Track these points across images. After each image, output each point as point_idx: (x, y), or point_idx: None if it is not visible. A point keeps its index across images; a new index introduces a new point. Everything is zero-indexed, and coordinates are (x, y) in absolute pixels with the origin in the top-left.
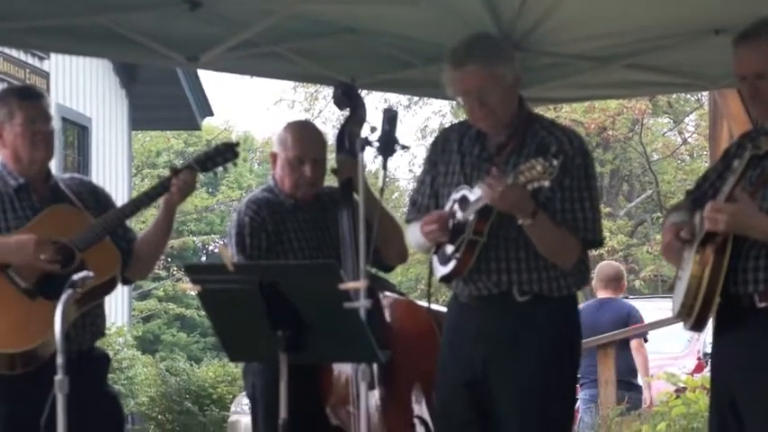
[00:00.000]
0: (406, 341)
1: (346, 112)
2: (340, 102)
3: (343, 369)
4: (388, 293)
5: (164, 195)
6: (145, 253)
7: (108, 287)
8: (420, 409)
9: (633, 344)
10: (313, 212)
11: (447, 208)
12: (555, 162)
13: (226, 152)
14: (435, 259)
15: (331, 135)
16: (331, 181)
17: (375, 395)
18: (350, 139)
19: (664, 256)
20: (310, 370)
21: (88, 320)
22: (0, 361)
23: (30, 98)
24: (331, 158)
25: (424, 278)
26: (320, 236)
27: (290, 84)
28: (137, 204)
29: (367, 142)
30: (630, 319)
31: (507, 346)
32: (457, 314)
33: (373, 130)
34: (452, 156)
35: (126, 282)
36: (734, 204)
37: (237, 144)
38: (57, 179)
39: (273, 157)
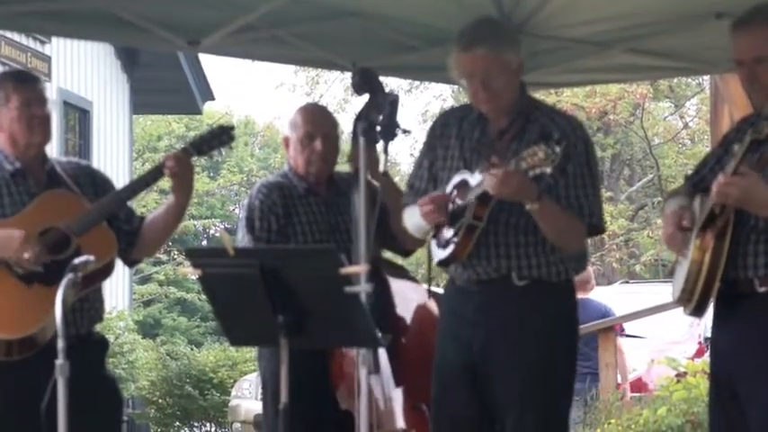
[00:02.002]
0: (414, 325)
1: (355, 99)
2: (359, 87)
3: (352, 354)
4: (395, 278)
5: (159, 179)
6: (153, 234)
7: (105, 272)
8: (425, 393)
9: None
10: (327, 197)
11: (447, 191)
12: (557, 149)
13: (221, 135)
14: (434, 243)
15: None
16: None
17: (385, 381)
18: (369, 124)
19: (667, 246)
20: (320, 354)
21: (86, 305)
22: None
23: (25, 82)
24: (346, 142)
25: (424, 263)
26: (333, 220)
27: (292, 68)
28: (133, 188)
29: (369, 127)
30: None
31: (507, 329)
32: (454, 298)
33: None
34: (451, 140)
35: (132, 262)
36: (744, 178)
37: (233, 127)
38: (54, 163)
39: (286, 141)
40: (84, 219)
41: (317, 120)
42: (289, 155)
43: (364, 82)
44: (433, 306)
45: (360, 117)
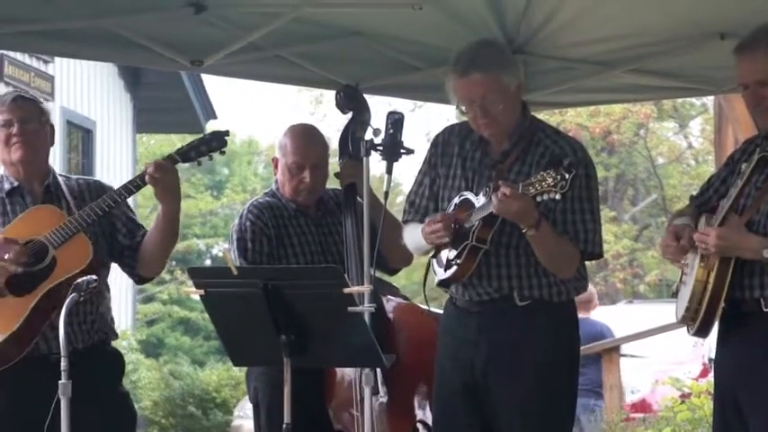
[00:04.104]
0: (410, 345)
1: (349, 116)
2: (342, 105)
3: (345, 372)
4: (391, 297)
5: (142, 187)
6: (148, 251)
7: (70, 284)
8: (423, 413)
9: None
10: (316, 217)
11: (448, 211)
12: (567, 176)
13: (211, 141)
14: (434, 263)
15: (335, 139)
16: (334, 184)
17: (378, 399)
18: (353, 142)
19: (662, 253)
20: (313, 373)
21: (76, 320)
22: None
23: (5, 103)
24: (334, 161)
25: (427, 283)
26: (324, 240)
27: (295, 87)
28: (113, 197)
29: (372, 146)
30: (604, 336)
31: (508, 349)
32: (454, 318)
33: (377, 132)
34: (453, 159)
35: (140, 279)
36: (721, 228)
37: (227, 133)
38: (59, 180)
39: (275, 161)
40: (61, 230)
41: (305, 150)
42: (277, 176)
43: (348, 100)
44: (429, 325)
45: (345, 135)
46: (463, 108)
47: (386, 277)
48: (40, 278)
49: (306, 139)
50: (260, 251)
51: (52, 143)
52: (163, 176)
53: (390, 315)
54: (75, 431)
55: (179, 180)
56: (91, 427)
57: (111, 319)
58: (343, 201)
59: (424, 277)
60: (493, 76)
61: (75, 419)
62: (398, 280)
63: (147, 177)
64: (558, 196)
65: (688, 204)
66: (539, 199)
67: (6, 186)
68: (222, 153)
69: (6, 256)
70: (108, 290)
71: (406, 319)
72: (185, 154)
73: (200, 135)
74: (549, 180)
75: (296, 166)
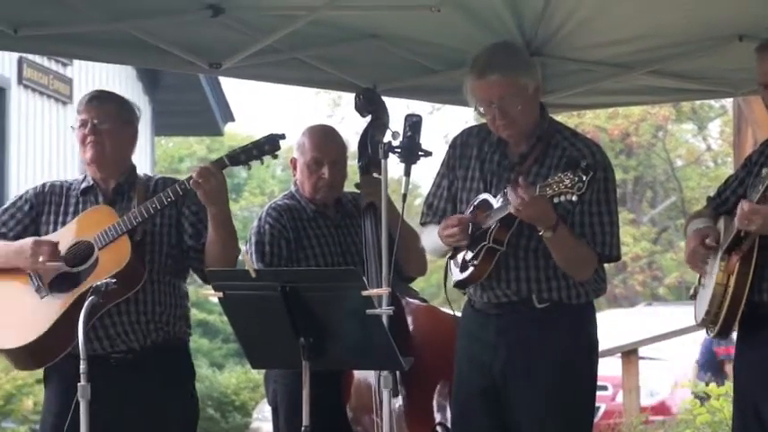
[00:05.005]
0: (430, 347)
1: (368, 119)
2: (361, 108)
3: (364, 375)
4: (410, 299)
5: (188, 191)
6: (210, 253)
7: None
8: (443, 416)
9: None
10: (336, 219)
11: (466, 213)
12: (585, 178)
13: (264, 144)
14: (452, 264)
15: (354, 141)
16: (353, 188)
17: (397, 401)
18: (372, 145)
19: (688, 264)
20: (332, 375)
21: (127, 319)
22: (9, 356)
23: (85, 103)
24: (353, 164)
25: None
26: (343, 242)
27: (313, 90)
28: (160, 200)
29: (390, 148)
30: None
31: (527, 352)
32: (472, 320)
33: (395, 135)
34: (471, 161)
35: (207, 280)
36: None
37: (282, 136)
38: (138, 179)
39: (293, 162)
40: (109, 232)
41: (325, 146)
42: (296, 176)
43: (368, 103)
44: (448, 327)
45: (365, 138)
46: (481, 110)
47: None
48: (81, 278)
49: (324, 135)
50: (278, 254)
51: (131, 142)
52: (205, 182)
53: (409, 317)
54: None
55: (225, 185)
56: (141, 428)
57: (179, 316)
58: (363, 211)
59: (444, 278)
60: (510, 78)
61: (126, 420)
62: (416, 282)
63: (191, 181)
64: (574, 198)
65: (705, 206)
66: (556, 200)
67: (83, 185)
68: (275, 157)
69: (41, 258)
70: (176, 288)
71: (426, 321)
72: (235, 157)
73: (256, 138)
74: (567, 181)
75: (314, 161)
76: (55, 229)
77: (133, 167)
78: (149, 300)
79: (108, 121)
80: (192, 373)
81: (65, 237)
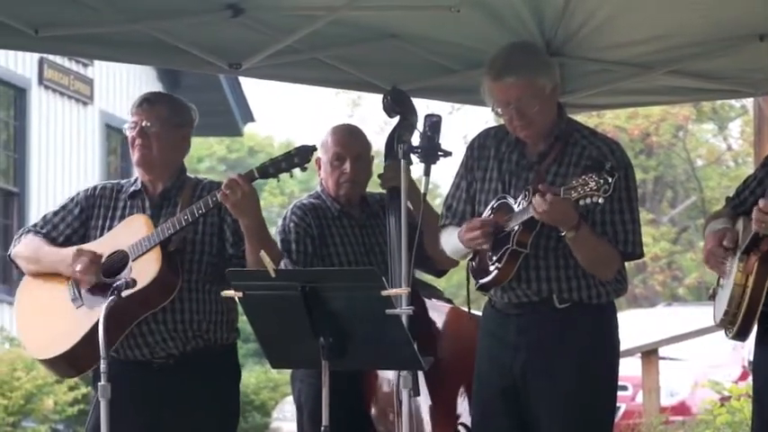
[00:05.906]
0: (452, 347)
1: (395, 120)
2: (389, 108)
3: (387, 375)
4: (433, 299)
5: (217, 203)
6: (251, 262)
7: (146, 296)
8: (465, 416)
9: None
10: (360, 218)
11: (485, 215)
12: (610, 180)
13: (294, 156)
14: (473, 266)
15: (375, 140)
16: (378, 188)
17: (419, 401)
18: (399, 144)
19: (706, 264)
20: (355, 375)
21: (164, 327)
22: (46, 365)
23: (136, 105)
24: (378, 163)
25: (465, 285)
26: (367, 241)
27: (333, 90)
28: (192, 211)
29: (410, 148)
30: None
31: (548, 352)
32: (493, 321)
33: (422, 136)
34: (489, 161)
35: None
36: None
37: (314, 148)
38: (186, 183)
39: (318, 162)
40: (143, 242)
41: (347, 141)
42: (320, 176)
43: (395, 104)
44: (469, 327)
45: (392, 138)
46: (499, 110)
47: (428, 278)
48: None
49: (346, 132)
50: (304, 251)
51: (181, 146)
52: (233, 193)
53: (434, 317)
54: None
55: (255, 197)
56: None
57: (220, 322)
58: (387, 202)
59: (467, 279)
60: (527, 79)
61: (166, 423)
62: (436, 282)
63: (219, 193)
64: (601, 200)
65: (724, 206)
66: (581, 203)
67: (132, 188)
68: (304, 170)
69: (78, 267)
70: (216, 295)
71: (448, 321)
72: (265, 170)
73: (287, 150)
74: (592, 184)
75: (336, 157)
76: (102, 234)
77: (183, 170)
78: (186, 308)
79: (156, 125)
80: (234, 379)
81: (106, 245)
